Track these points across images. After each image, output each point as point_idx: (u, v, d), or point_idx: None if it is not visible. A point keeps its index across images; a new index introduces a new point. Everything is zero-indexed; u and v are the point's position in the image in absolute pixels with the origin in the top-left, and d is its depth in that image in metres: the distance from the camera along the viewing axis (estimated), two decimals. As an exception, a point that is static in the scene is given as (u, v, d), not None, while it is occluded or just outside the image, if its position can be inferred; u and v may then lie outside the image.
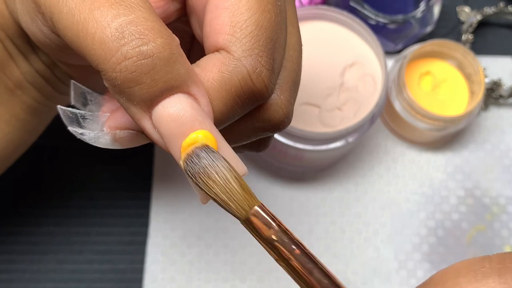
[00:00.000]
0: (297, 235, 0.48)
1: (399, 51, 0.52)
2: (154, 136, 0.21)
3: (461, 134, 0.51)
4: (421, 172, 0.50)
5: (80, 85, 0.23)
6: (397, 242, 0.48)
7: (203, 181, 0.20)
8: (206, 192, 0.20)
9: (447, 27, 0.55)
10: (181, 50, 0.20)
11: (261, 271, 0.46)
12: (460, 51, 0.48)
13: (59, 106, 0.22)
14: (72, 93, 0.23)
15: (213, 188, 0.20)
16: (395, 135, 0.51)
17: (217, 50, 0.22)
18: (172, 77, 0.20)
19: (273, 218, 0.20)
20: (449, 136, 0.50)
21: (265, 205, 0.21)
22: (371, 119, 0.43)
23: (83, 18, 0.20)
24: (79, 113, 0.22)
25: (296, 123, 0.42)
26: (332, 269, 0.49)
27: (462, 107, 0.48)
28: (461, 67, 0.49)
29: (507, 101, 0.53)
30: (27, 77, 0.31)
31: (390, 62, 0.50)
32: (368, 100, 0.43)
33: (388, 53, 0.52)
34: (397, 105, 0.48)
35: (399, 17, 0.49)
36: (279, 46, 0.23)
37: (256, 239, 0.20)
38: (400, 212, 0.49)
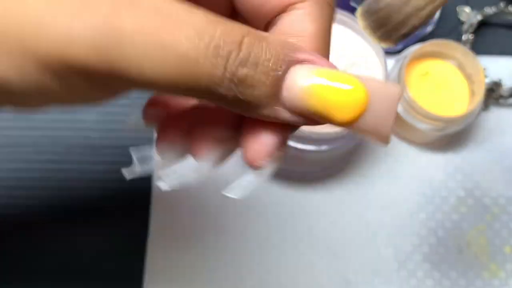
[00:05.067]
0: (297, 235, 0.48)
1: (399, 51, 0.52)
2: (300, 120, 0.21)
3: (461, 134, 0.51)
4: (421, 172, 0.50)
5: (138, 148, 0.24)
6: (397, 242, 0.48)
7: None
8: None
9: (448, 27, 0.55)
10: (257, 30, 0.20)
11: (261, 271, 0.46)
12: (461, 51, 0.48)
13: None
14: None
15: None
16: (395, 135, 0.51)
17: (284, 10, 0.22)
18: (271, 60, 0.20)
19: None
20: (449, 136, 0.50)
21: None
22: (371, 119, 0.43)
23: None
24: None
25: (296, 123, 0.42)
26: (332, 269, 0.49)
27: (463, 108, 0.48)
28: (461, 67, 0.49)
29: (508, 102, 0.52)
30: None
31: (390, 62, 0.50)
32: (368, 100, 0.43)
33: (388, 53, 0.52)
34: (397, 105, 0.48)
35: (400, 17, 0.49)
36: None
37: None
38: (400, 212, 0.49)
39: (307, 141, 0.42)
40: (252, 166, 0.21)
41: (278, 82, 0.20)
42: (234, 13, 0.26)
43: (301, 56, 0.20)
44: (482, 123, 0.52)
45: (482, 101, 0.47)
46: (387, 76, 0.43)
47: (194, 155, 0.23)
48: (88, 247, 0.46)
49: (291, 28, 0.22)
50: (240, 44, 0.19)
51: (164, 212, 0.47)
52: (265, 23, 0.24)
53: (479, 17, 0.54)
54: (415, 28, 0.17)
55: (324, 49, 0.22)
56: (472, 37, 0.53)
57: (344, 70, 0.44)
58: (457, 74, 0.49)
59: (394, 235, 0.48)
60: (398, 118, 0.48)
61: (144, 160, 0.23)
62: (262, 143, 0.21)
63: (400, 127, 0.50)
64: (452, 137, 0.51)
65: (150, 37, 0.18)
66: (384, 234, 0.48)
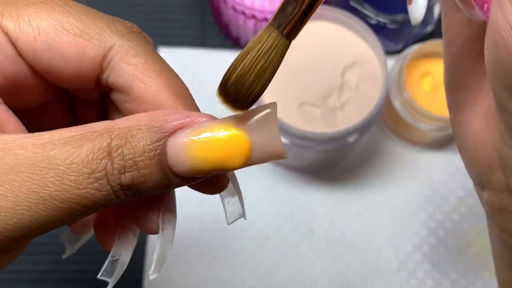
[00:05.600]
0: (297, 235, 0.48)
1: (399, 51, 0.52)
2: (201, 178, 0.21)
3: (462, 134, 0.51)
4: (421, 172, 0.50)
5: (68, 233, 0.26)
6: (397, 243, 0.48)
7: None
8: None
9: (448, 27, 0.55)
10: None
11: (261, 271, 0.46)
12: (461, 51, 0.48)
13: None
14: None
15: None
16: (395, 135, 0.51)
17: (101, 66, 0.22)
18: (146, 149, 0.19)
19: None
20: (449, 136, 0.50)
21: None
22: (372, 119, 0.43)
23: None
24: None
25: (296, 123, 0.42)
26: (332, 269, 0.49)
27: (463, 107, 0.48)
28: (461, 67, 0.49)
29: (508, 101, 0.52)
30: None
31: (391, 62, 0.50)
32: (368, 100, 0.43)
33: (389, 53, 0.52)
34: (398, 105, 0.48)
35: (400, 16, 0.49)
36: None
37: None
38: (400, 212, 0.49)
39: (307, 141, 0.42)
40: (151, 233, 0.23)
41: (163, 163, 0.19)
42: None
43: (170, 126, 0.20)
44: (482, 123, 0.52)
45: (482, 101, 0.47)
46: (387, 75, 0.43)
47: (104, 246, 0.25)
48: None
49: (129, 79, 0.22)
50: (109, 153, 0.19)
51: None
52: (99, 89, 0.23)
53: (479, 17, 0.54)
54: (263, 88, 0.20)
55: (165, 72, 0.22)
56: (472, 37, 0.53)
57: (344, 69, 0.44)
58: (457, 74, 0.49)
59: (394, 235, 0.48)
60: (398, 118, 0.48)
61: (73, 241, 0.27)
62: (150, 213, 0.22)
63: (400, 127, 0.50)
64: (452, 137, 0.51)
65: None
66: (384, 234, 0.48)
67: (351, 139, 0.43)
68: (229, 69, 0.19)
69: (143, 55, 0.22)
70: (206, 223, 0.47)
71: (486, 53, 0.17)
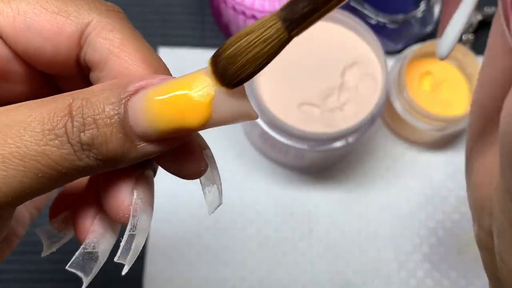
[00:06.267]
0: (297, 235, 0.48)
1: (399, 51, 0.52)
2: (169, 143, 0.20)
3: (461, 134, 0.51)
4: (421, 172, 0.50)
5: (45, 228, 0.25)
6: (397, 243, 0.48)
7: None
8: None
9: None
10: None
11: (261, 271, 0.46)
12: (461, 51, 0.48)
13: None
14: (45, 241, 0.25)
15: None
16: (395, 135, 0.51)
17: (79, 44, 0.22)
18: (106, 108, 0.19)
19: None
20: (449, 136, 0.50)
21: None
22: (371, 119, 0.43)
23: None
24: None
25: (296, 123, 0.42)
26: (332, 269, 0.49)
27: (463, 107, 0.48)
28: (461, 67, 0.49)
29: (508, 101, 0.52)
30: None
31: (391, 62, 0.50)
32: (368, 100, 0.43)
33: (389, 53, 0.52)
34: (398, 105, 0.48)
35: (400, 16, 0.49)
36: None
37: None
38: (400, 212, 0.49)
39: (307, 141, 0.42)
40: (121, 221, 0.22)
41: (124, 123, 0.19)
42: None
43: (132, 87, 0.19)
44: (482, 123, 0.52)
45: (482, 101, 0.47)
46: (387, 75, 0.43)
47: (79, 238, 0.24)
48: None
49: (106, 51, 0.21)
50: (70, 112, 0.19)
51: (162, 212, 0.47)
52: (80, 73, 0.23)
53: (479, 17, 0.54)
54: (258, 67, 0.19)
55: (143, 49, 0.21)
56: (472, 37, 0.53)
57: (344, 69, 0.44)
58: (457, 74, 0.49)
59: (394, 235, 0.48)
60: (398, 118, 0.48)
61: (52, 237, 0.25)
62: (120, 198, 0.21)
63: (400, 127, 0.50)
64: (452, 137, 0.51)
65: None
66: (384, 234, 0.48)
67: (351, 139, 0.43)
68: (225, 43, 0.19)
69: (121, 31, 0.21)
70: (206, 223, 0.47)
71: (503, 112, 0.16)
